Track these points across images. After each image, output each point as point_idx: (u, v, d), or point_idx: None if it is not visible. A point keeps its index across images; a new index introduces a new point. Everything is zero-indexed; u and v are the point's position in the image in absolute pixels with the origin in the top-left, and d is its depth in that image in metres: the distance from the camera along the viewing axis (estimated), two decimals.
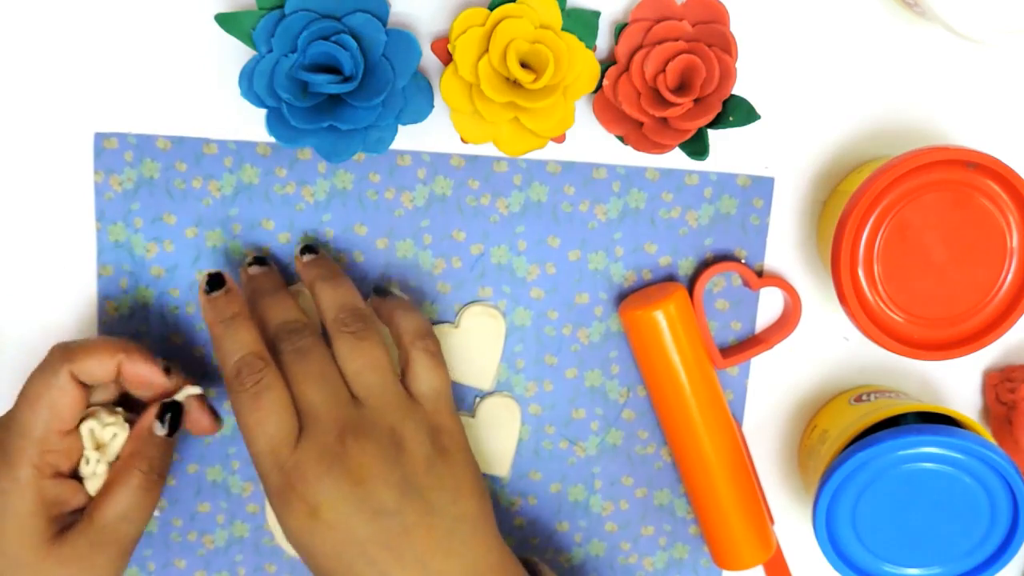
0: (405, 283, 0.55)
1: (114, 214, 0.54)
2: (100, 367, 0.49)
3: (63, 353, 0.49)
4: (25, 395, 0.49)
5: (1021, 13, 0.49)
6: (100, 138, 0.53)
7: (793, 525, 0.59)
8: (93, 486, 0.50)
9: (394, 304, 0.52)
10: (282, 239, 0.54)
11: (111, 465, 0.50)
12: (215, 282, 0.50)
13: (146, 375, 0.50)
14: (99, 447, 0.50)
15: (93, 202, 0.54)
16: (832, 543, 0.51)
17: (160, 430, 0.50)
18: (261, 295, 0.51)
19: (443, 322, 0.56)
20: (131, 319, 0.55)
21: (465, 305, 0.56)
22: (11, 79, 0.52)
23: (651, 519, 0.58)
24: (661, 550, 0.58)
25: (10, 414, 0.49)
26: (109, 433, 0.50)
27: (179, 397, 0.51)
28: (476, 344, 0.56)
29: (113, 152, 0.53)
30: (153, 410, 0.50)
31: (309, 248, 0.52)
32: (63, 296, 0.54)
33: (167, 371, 0.50)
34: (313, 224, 0.54)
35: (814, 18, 0.54)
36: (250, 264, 0.52)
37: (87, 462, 0.50)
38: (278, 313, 0.50)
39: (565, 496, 0.58)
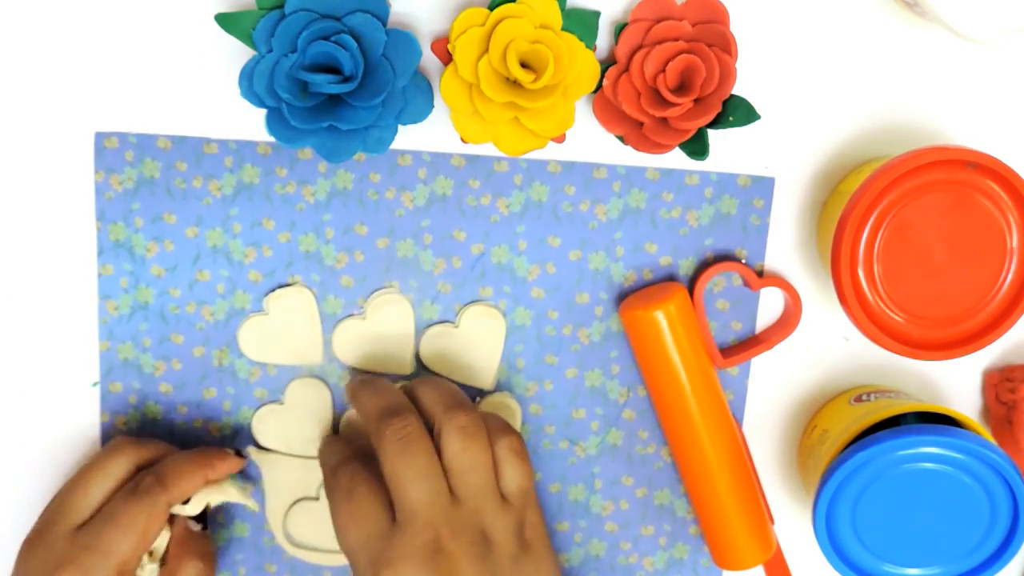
0: (405, 283, 0.55)
1: (114, 213, 0.54)
2: (191, 488, 0.52)
3: (159, 484, 0.51)
4: (115, 519, 0.50)
5: (1021, 13, 0.49)
6: (100, 137, 0.53)
7: (793, 525, 0.59)
8: None
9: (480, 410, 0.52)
10: (282, 239, 0.54)
11: (161, 561, 0.53)
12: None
13: (227, 470, 0.54)
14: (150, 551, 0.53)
15: (93, 202, 0.54)
16: (832, 543, 0.51)
17: (195, 527, 0.54)
18: (363, 385, 0.52)
19: (443, 322, 0.56)
20: (131, 319, 0.55)
21: (465, 305, 0.56)
22: (11, 79, 0.53)
23: (651, 519, 0.58)
24: (661, 550, 0.58)
25: (92, 532, 0.50)
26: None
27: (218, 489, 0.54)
28: (476, 344, 0.56)
29: (113, 151, 0.53)
30: (184, 519, 0.54)
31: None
32: (63, 296, 0.54)
33: (238, 454, 0.55)
34: (313, 224, 0.54)
35: (814, 18, 0.54)
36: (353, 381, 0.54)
37: (142, 566, 0.52)
38: (380, 399, 0.51)
39: (565, 496, 0.58)
